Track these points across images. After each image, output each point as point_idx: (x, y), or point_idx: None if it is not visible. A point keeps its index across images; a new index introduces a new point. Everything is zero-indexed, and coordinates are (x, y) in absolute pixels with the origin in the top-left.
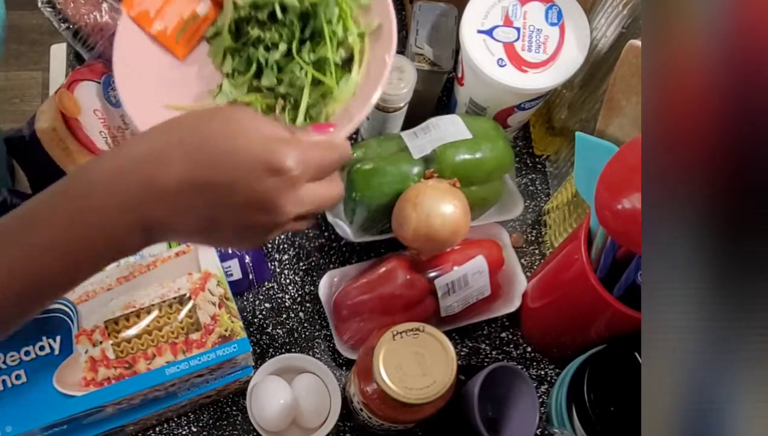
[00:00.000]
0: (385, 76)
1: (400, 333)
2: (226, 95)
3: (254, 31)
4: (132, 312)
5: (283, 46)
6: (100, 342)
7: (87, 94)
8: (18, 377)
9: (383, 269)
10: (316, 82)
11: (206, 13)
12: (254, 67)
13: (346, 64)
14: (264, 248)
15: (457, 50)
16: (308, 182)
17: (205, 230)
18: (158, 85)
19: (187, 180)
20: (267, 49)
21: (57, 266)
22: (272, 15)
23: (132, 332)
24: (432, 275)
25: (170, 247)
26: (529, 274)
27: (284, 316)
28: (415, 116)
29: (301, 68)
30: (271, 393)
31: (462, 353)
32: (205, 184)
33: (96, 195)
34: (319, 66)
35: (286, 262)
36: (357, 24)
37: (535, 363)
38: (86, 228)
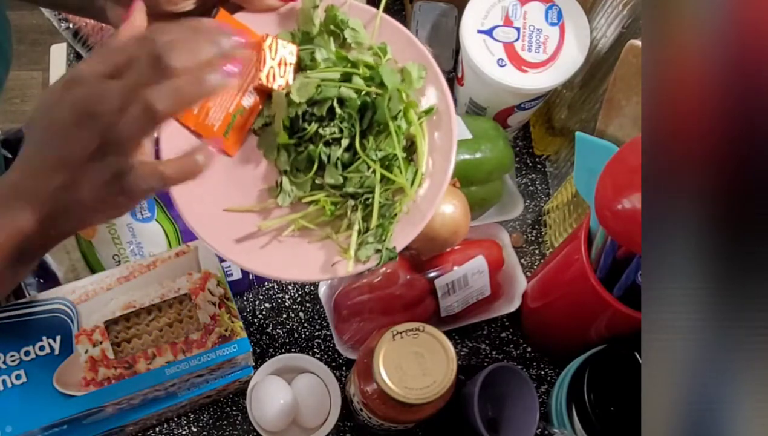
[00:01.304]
0: (452, 164)
1: (400, 333)
2: (288, 194)
3: (311, 127)
4: (132, 312)
5: (345, 142)
6: (100, 342)
7: None
8: (18, 377)
9: (383, 269)
10: (383, 179)
11: (252, 105)
12: (316, 164)
13: (408, 154)
14: None
15: (457, 50)
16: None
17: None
18: (214, 188)
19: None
20: (327, 144)
21: None
22: (329, 109)
23: (132, 331)
24: (432, 275)
25: (170, 247)
26: (529, 274)
27: (284, 316)
28: None
29: (369, 167)
30: (271, 393)
31: (462, 353)
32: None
33: None
34: (385, 162)
35: None
36: (416, 111)
37: (535, 363)
38: None
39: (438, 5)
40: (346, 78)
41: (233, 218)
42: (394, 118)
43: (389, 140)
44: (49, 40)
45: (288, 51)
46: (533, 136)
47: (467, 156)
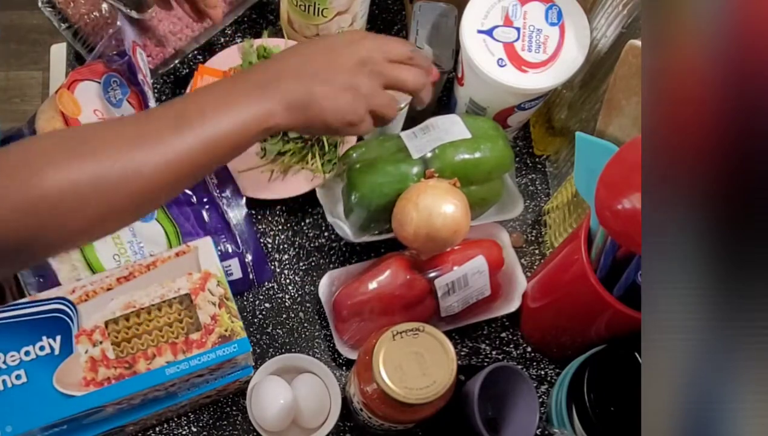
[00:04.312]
0: None
1: (400, 333)
2: (272, 151)
3: None
4: (132, 312)
5: None
6: (100, 342)
7: (87, 94)
8: (18, 377)
9: (383, 269)
10: None
11: None
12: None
13: None
14: (265, 248)
15: (457, 50)
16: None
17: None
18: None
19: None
20: None
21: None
22: None
23: (132, 331)
24: (432, 275)
25: (170, 247)
26: (529, 274)
27: (284, 316)
28: (416, 116)
29: None
30: (271, 393)
31: (462, 353)
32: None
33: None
34: None
35: (286, 262)
36: None
37: (535, 363)
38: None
39: (438, 5)
40: None
41: (245, 175)
42: None
43: None
44: (49, 40)
45: None
46: (533, 136)
47: (467, 156)
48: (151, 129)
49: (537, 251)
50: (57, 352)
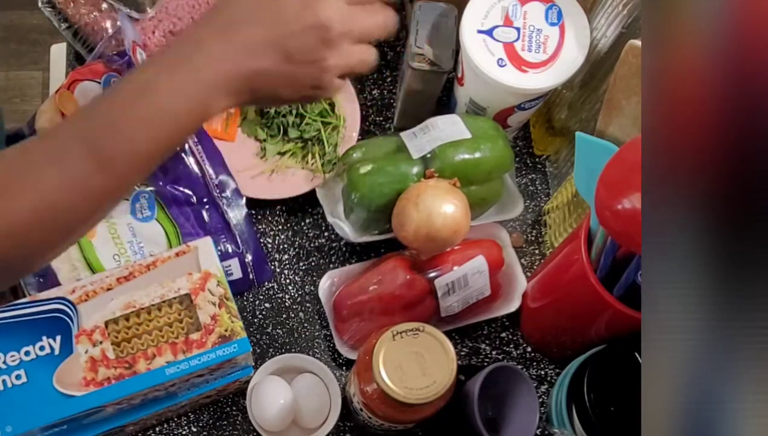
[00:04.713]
0: (357, 112)
1: (400, 333)
2: (272, 151)
3: (272, 110)
4: (132, 312)
5: (294, 112)
6: (100, 342)
7: (87, 94)
8: (18, 377)
9: (383, 269)
10: (324, 124)
11: (234, 111)
12: (282, 129)
13: (331, 107)
14: (265, 248)
15: (457, 50)
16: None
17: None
18: (229, 161)
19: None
20: (283, 116)
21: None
22: None
23: (132, 331)
24: (432, 275)
25: (170, 247)
26: (529, 274)
27: (284, 316)
28: (415, 116)
29: (314, 120)
30: (271, 393)
31: (462, 353)
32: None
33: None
34: (321, 115)
35: (286, 262)
36: None
37: (535, 363)
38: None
39: (438, 5)
40: None
41: (245, 175)
42: None
43: (318, 104)
44: (49, 40)
45: None
46: (533, 136)
47: (467, 156)
48: (63, 162)
49: (537, 251)
50: (57, 352)
